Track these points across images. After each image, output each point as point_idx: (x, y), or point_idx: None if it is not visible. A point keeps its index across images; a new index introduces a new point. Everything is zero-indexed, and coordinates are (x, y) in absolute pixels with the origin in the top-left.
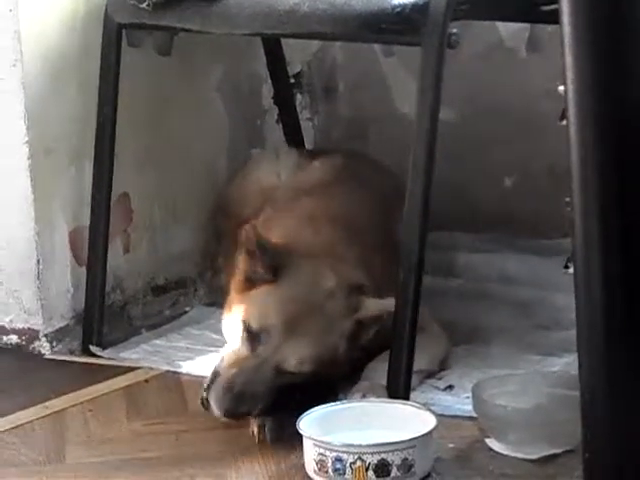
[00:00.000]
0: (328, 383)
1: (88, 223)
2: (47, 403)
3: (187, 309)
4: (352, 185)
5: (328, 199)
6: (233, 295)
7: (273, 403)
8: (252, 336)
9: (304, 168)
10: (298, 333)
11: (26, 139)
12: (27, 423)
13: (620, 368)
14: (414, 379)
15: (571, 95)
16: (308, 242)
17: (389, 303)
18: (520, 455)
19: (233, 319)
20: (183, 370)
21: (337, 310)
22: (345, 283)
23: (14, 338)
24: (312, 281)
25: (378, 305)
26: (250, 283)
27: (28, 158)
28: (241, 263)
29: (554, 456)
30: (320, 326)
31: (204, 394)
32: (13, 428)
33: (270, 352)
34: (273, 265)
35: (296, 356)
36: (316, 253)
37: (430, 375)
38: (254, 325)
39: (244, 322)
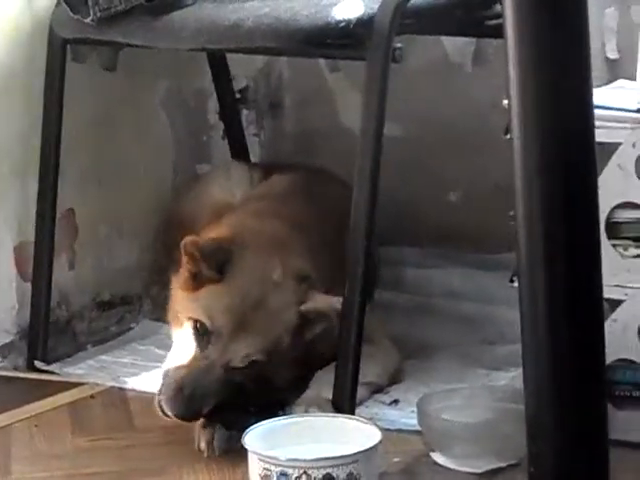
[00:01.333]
0: (279, 395)
1: (33, 239)
2: None
3: (133, 325)
4: (312, 196)
5: (282, 203)
6: (180, 295)
7: (222, 412)
8: (201, 336)
9: (259, 183)
10: (246, 330)
11: None
12: None
13: (565, 382)
14: (363, 391)
15: (515, 109)
16: (257, 236)
17: (336, 300)
18: (465, 469)
19: (181, 319)
20: (128, 386)
21: (282, 301)
22: (291, 273)
23: None
24: (258, 274)
25: (325, 300)
26: (197, 282)
27: None
28: (185, 264)
29: (499, 470)
30: (266, 319)
31: (159, 398)
32: None
33: (219, 352)
34: (218, 264)
35: (244, 352)
36: (270, 248)
37: (379, 389)
38: (206, 324)
39: (193, 322)
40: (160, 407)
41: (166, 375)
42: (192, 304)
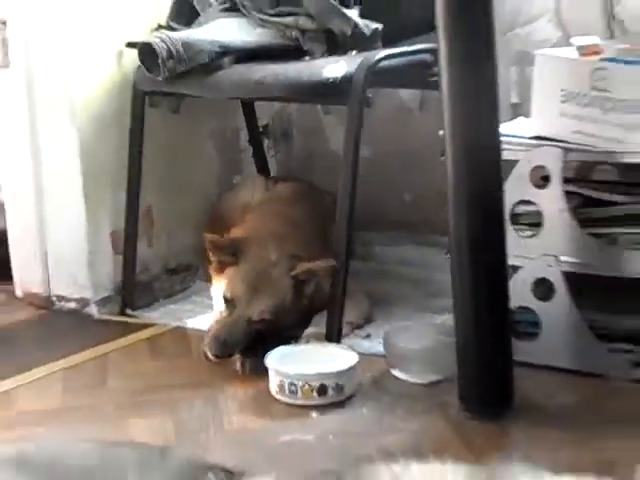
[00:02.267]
0: (287, 332)
1: (123, 226)
2: (95, 349)
3: (191, 284)
4: (301, 199)
5: (284, 207)
6: (214, 276)
7: (251, 347)
8: (228, 303)
9: (270, 189)
10: (257, 294)
11: (80, 171)
12: (81, 363)
13: (482, 322)
14: (347, 328)
15: (448, 139)
16: (266, 233)
17: (320, 263)
18: (415, 380)
19: (217, 293)
20: (188, 325)
21: (281, 273)
22: (286, 254)
23: (73, 304)
24: (262, 258)
25: (310, 264)
26: (222, 267)
27: (81, 183)
28: (212, 257)
29: (439, 381)
30: (271, 286)
31: (203, 347)
32: (72, 366)
33: (241, 312)
34: (232, 253)
35: (258, 310)
36: (269, 240)
37: (357, 326)
38: (228, 295)
39: (223, 294)
40: (204, 352)
41: (208, 331)
42: (221, 282)
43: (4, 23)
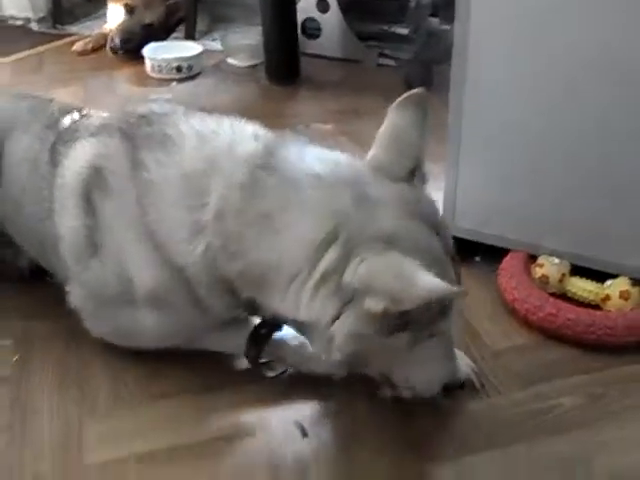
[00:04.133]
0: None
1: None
2: (35, 49)
3: (99, 10)
4: None
5: None
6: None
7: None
8: (129, 10)
9: None
10: (148, 6)
11: None
12: (26, 57)
13: (280, 27)
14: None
15: None
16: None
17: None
18: (241, 64)
19: (114, 12)
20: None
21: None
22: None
23: (20, 22)
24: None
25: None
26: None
27: None
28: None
29: (255, 65)
30: (155, 3)
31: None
32: (19, 59)
33: (139, 16)
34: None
35: (149, 15)
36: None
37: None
38: (130, 3)
39: (124, 4)
40: (111, 48)
41: (112, 31)
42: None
43: None
